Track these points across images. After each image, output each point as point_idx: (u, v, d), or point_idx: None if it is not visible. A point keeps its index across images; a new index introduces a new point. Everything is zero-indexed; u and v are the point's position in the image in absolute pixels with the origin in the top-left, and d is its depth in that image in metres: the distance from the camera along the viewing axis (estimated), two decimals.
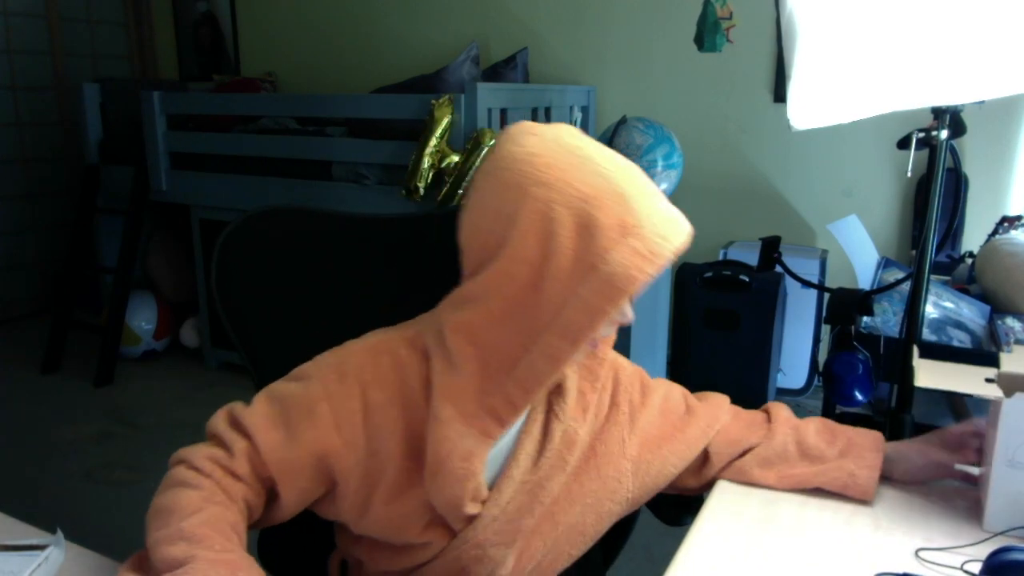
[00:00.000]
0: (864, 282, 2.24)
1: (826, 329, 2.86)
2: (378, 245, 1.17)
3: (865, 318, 1.84)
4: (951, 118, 1.32)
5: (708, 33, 3.21)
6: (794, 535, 0.87)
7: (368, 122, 3.00)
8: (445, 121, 2.69)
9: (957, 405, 1.73)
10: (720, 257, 3.05)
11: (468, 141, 2.70)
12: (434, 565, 0.88)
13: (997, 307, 1.82)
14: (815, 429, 0.99)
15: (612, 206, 0.72)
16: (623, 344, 2.66)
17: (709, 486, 1.01)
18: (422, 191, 2.71)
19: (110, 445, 2.81)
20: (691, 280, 2.62)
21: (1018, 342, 1.66)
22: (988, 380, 0.85)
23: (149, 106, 3.37)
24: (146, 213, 3.56)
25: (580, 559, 0.96)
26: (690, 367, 2.59)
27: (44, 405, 3.15)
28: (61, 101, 4.23)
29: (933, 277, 1.68)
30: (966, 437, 0.94)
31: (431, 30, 3.79)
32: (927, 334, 1.69)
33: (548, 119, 3.20)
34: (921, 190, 2.94)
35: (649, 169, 2.85)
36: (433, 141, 2.68)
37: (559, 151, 0.75)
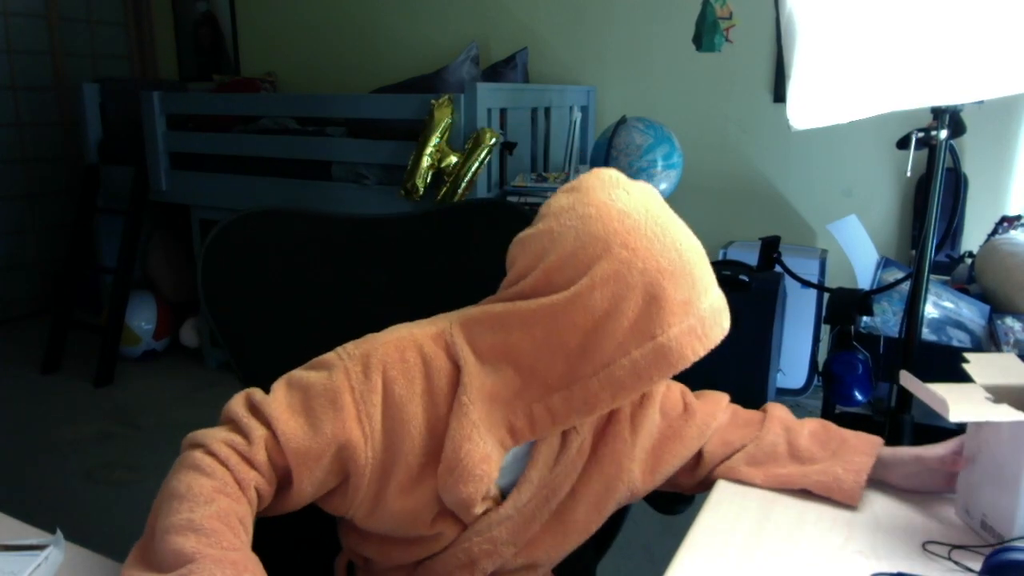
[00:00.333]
0: (864, 282, 2.24)
1: (826, 329, 2.86)
2: (368, 246, 1.17)
3: (865, 318, 1.84)
4: (951, 118, 1.32)
5: (707, 33, 3.22)
6: (795, 535, 0.87)
7: (368, 122, 3.00)
8: (445, 121, 2.69)
9: None
10: (720, 257, 3.05)
11: (468, 141, 2.70)
12: (444, 556, 0.89)
13: (997, 307, 1.82)
14: (810, 431, 0.99)
15: (683, 285, 0.77)
16: None
17: (703, 485, 1.01)
18: (421, 191, 2.71)
19: (110, 445, 2.81)
20: None
21: (1018, 342, 1.66)
22: (996, 395, 0.83)
23: (149, 106, 3.37)
24: (146, 213, 3.56)
25: (572, 553, 0.98)
26: (689, 367, 2.58)
27: (44, 405, 3.15)
28: (61, 101, 4.23)
29: (933, 277, 1.68)
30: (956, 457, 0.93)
31: (431, 30, 3.79)
32: (927, 334, 1.69)
33: (548, 119, 3.20)
34: (921, 190, 2.94)
35: (649, 169, 2.85)
36: (433, 141, 2.68)
37: (647, 218, 0.79)
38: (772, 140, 3.18)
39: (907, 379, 0.90)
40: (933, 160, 1.36)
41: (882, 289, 1.91)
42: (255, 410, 0.82)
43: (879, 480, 0.96)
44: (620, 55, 3.41)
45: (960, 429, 0.92)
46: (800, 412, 1.04)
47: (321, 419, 0.81)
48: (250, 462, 0.79)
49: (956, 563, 0.82)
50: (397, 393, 0.82)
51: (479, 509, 0.85)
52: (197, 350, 3.64)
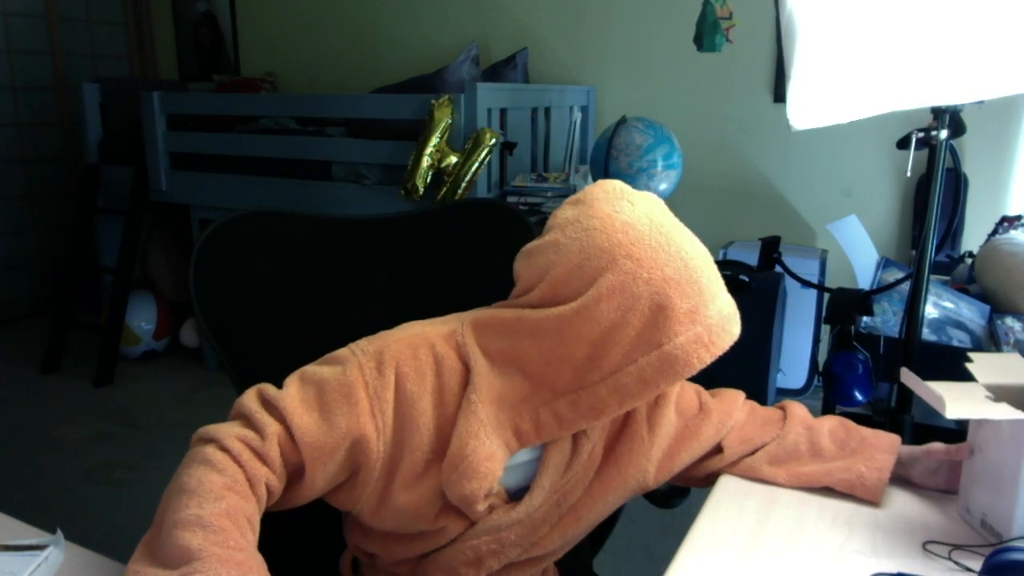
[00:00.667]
0: (864, 282, 2.24)
1: (826, 329, 2.86)
2: (365, 245, 1.17)
3: (865, 318, 1.84)
4: (951, 118, 1.32)
5: (707, 33, 3.22)
6: (795, 534, 0.87)
7: (368, 122, 3.00)
8: (445, 121, 2.69)
9: None
10: (720, 257, 3.05)
11: (468, 141, 2.70)
12: (450, 551, 0.89)
13: (997, 307, 1.82)
14: (829, 428, 0.99)
15: (689, 293, 0.77)
16: None
17: (713, 479, 1.01)
18: (421, 191, 2.71)
19: (110, 445, 2.81)
20: None
21: (1018, 342, 1.66)
22: (997, 394, 0.83)
23: (149, 106, 3.37)
24: (146, 213, 3.56)
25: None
26: None
27: (44, 405, 3.15)
28: (61, 101, 4.23)
29: (933, 277, 1.68)
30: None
31: (431, 30, 3.79)
32: (927, 334, 1.69)
33: (548, 119, 3.21)
34: (921, 190, 2.94)
35: (649, 169, 2.85)
36: (433, 141, 2.68)
37: (651, 228, 0.80)
38: (772, 140, 3.18)
39: (907, 376, 0.91)
40: (933, 160, 1.36)
41: (882, 289, 1.91)
42: (268, 405, 0.82)
43: (899, 478, 0.96)
44: (620, 55, 3.41)
45: (961, 429, 0.93)
46: None
47: (335, 413, 0.81)
48: (262, 458, 0.79)
49: (956, 563, 0.82)
50: (409, 389, 0.83)
51: (482, 506, 0.85)
52: (197, 350, 3.64)
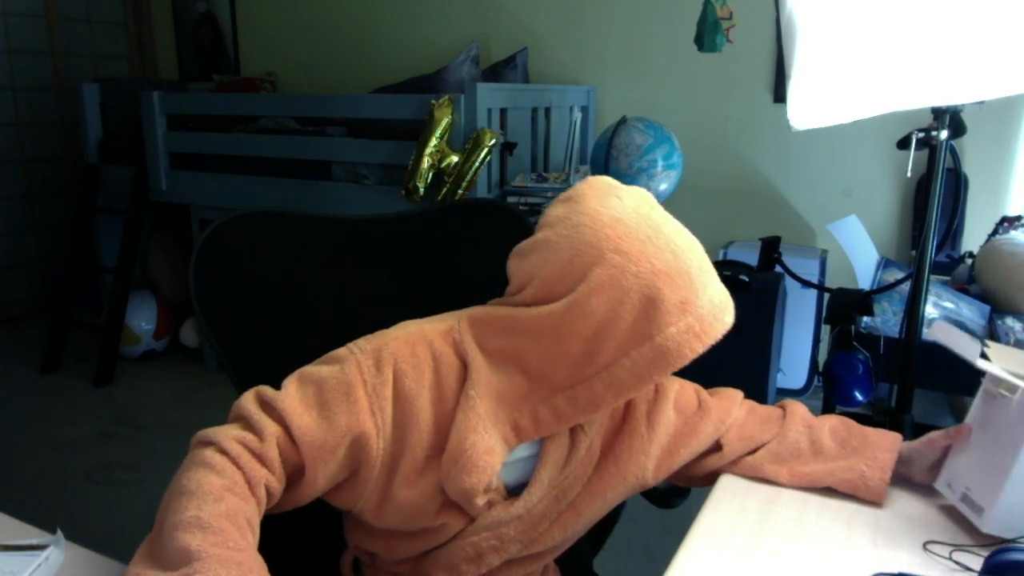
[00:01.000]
0: (864, 282, 2.24)
1: (826, 329, 2.86)
2: (365, 245, 1.17)
3: (865, 318, 1.84)
4: (951, 118, 1.32)
5: (708, 33, 3.22)
6: (795, 534, 0.87)
7: (368, 122, 3.00)
8: (445, 121, 2.69)
9: (957, 405, 1.73)
10: (720, 257, 3.05)
11: (468, 141, 2.70)
12: (450, 548, 0.90)
13: (997, 307, 1.82)
14: (830, 427, 0.99)
15: (679, 284, 0.78)
16: None
17: (713, 478, 1.01)
18: (422, 191, 2.71)
19: (110, 445, 2.81)
20: None
21: (1018, 342, 1.66)
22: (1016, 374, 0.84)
23: (149, 106, 3.37)
24: (146, 213, 3.56)
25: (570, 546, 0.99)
26: (690, 367, 2.58)
27: (44, 405, 3.15)
28: (61, 101, 4.23)
29: (933, 277, 1.68)
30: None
31: (431, 30, 3.79)
32: (927, 334, 1.69)
33: (548, 119, 3.20)
34: (921, 190, 2.94)
35: (649, 169, 2.85)
36: (433, 141, 2.68)
37: (638, 221, 0.80)
38: (772, 140, 3.18)
39: (940, 330, 0.91)
40: (933, 160, 1.36)
41: (882, 289, 1.91)
42: (267, 406, 0.82)
43: (900, 476, 0.96)
44: (620, 55, 3.41)
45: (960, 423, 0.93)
46: None
47: (335, 412, 0.81)
48: (261, 459, 0.79)
49: (956, 563, 0.82)
50: (407, 386, 0.84)
51: (481, 501, 0.86)
52: (197, 350, 3.64)
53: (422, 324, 0.89)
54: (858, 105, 1.18)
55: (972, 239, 2.81)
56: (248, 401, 0.83)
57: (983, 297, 1.90)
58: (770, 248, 2.35)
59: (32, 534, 0.84)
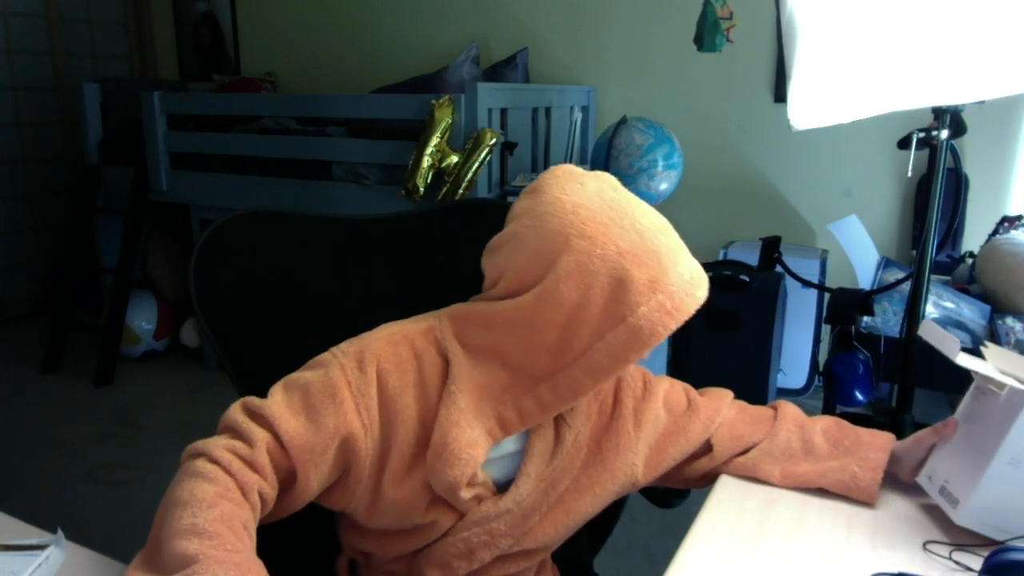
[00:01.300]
0: (864, 282, 2.24)
1: (826, 329, 2.86)
2: (365, 245, 1.17)
3: (865, 318, 1.84)
4: (951, 118, 1.32)
5: (708, 33, 3.22)
6: (795, 534, 0.87)
7: (368, 122, 3.00)
8: (445, 121, 2.69)
9: (957, 405, 1.73)
10: (720, 257, 3.05)
11: (468, 141, 2.70)
12: (442, 545, 0.90)
13: (997, 307, 1.82)
14: (823, 427, 0.99)
15: (646, 263, 0.78)
16: None
17: (708, 479, 1.01)
18: (422, 191, 2.71)
19: (110, 445, 2.81)
20: None
21: (1018, 342, 1.66)
22: (1004, 372, 0.84)
23: (149, 106, 3.37)
24: (146, 213, 3.56)
25: (567, 542, 1.00)
26: (690, 367, 2.59)
27: (44, 405, 3.15)
28: (61, 101, 4.23)
29: (933, 277, 1.68)
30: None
31: (431, 30, 3.79)
32: None
33: (548, 119, 3.21)
34: (921, 190, 2.94)
35: (649, 169, 2.85)
36: (433, 141, 2.68)
37: (601, 204, 0.81)
38: (772, 140, 3.18)
39: (926, 328, 0.92)
40: (934, 160, 1.36)
41: (883, 289, 1.91)
42: (254, 415, 0.83)
43: (891, 476, 0.96)
44: (620, 55, 3.41)
45: None
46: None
47: (322, 414, 0.82)
48: (253, 466, 0.79)
49: (956, 563, 0.82)
50: (391, 385, 0.85)
51: (467, 494, 0.86)
52: (197, 350, 3.64)
53: (403, 324, 0.90)
54: (858, 105, 1.18)
55: (972, 239, 2.80)
56: (235, 411, 0.84)
57: (983, 297, 1.90)
58: (770, 248, 2.35)
59: (32, 534, 0.84)
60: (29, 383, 3.36)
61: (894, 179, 3.03)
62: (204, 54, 4.46)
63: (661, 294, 0.78)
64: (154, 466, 2.62)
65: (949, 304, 1.79)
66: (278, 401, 0.83)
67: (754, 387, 2.54)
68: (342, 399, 0.83)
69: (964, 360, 0.84)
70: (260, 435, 0.81)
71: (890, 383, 1.76)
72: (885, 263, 2.18)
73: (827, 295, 1.90)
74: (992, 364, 0.86)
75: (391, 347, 0.86)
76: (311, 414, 0.82)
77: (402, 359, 0.86)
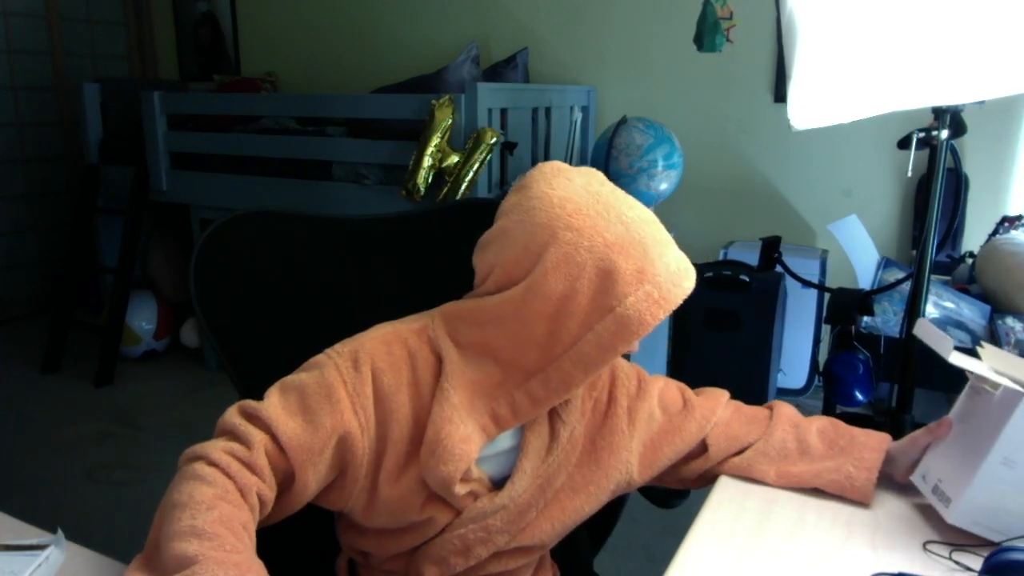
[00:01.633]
0: (864, 282, 2.24)
1: (826, 329, 2.86)
2: (365, 245, 1.17)
3: (865, 318, 1.84)
4: (951, 118, 1.32)
5: (708, 33, 3.22)
6: (795, 534, 0.87)
7: (368, 122, 3.00)
8: (445, 121, 2.69)
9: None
10: (720, 257, 3.05)
11: (468, 141, 2.70)
12: (439, 542, 0.91)
13: (997, 307, 1.82)
14: (818, 428, 0.99)
15: (632, 254, 0.79)
16: None
17: (705, 479, 1.01)
18: (422, 191, 2.71)
19: (110, 445, 2.81)
20: None
21: (1019, 342, 1.66)
22: (998, 371, 0.84)
23: (149, 106, 3.37)
24: (146, 213, 3.56)
25: (567, 542, 1.00)
26: (690, 367, 2.59)
27: (44, 405, 3.15)
28: (61, 101, 4.23)
29: (933, 277, 1.68)
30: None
31: (431, 30, 3.79)
32: None
33: (548, 119, 3.21)
34: (921, 190, 2.94)
35: (649, 169, 2.85)
36: (434, 141, 2.68)
37: (588, 198, 0.82)
38: (772, 140, 3.18)
39: (921, 327, 0.92)
40: (934, 160, 1.36)
41: (883, 289, 1.91)
42: (251, 417, 0.83)
43: (886, 476, 0.96)
44: (620, 55, 3.41)
45: None
46: (801, 413, 1.04)
47: (319, 414, 0.83)
48: (251, 467, 0.80)
49: (956, 563, 0.82)
50: (386, 383, 0.85)
51: (461, 490, 0.87)
52: (197, 350, 3.64)
53: (396, 324, 0.91)
54: (858, 105, 1.18)
55: (972, 239, 2.81)
56: (232, 415, 0.84)
57: (983, 297, 1.90)
58: (770, 248, 2.35)
59: (32, 534, 0.84)
60: (29, 383, 3.36)
61: (894, 179, 3.03)
62: (204, 54, 4.46)
63: (648, 284, 0.78)
64: (154, 466, 2.62)
65: (949, 304, 1.79)
66: (274, 403, 0.84)
67: (753, 387, 2.54)
68: (338, 398, 0.83)
69: (958, 359, 0.84)
70: (258, 437, 0.81)
71: (890, 383, 1.76)
72: (885, 263, 2.18)
73: (827, 295, 1.90)
74: (987, 364, 0.86)
75: (385, 346, 0.87)
76: (308, 414, 0.83)
77: (396, 358, 0.87)
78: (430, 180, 2.72)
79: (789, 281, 2.57)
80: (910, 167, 1.40)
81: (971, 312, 1.79)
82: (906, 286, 1.80)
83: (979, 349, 0.91)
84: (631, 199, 0.85)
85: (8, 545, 0.81)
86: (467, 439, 0.85)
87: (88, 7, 4.31)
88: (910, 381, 1.47)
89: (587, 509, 0.96)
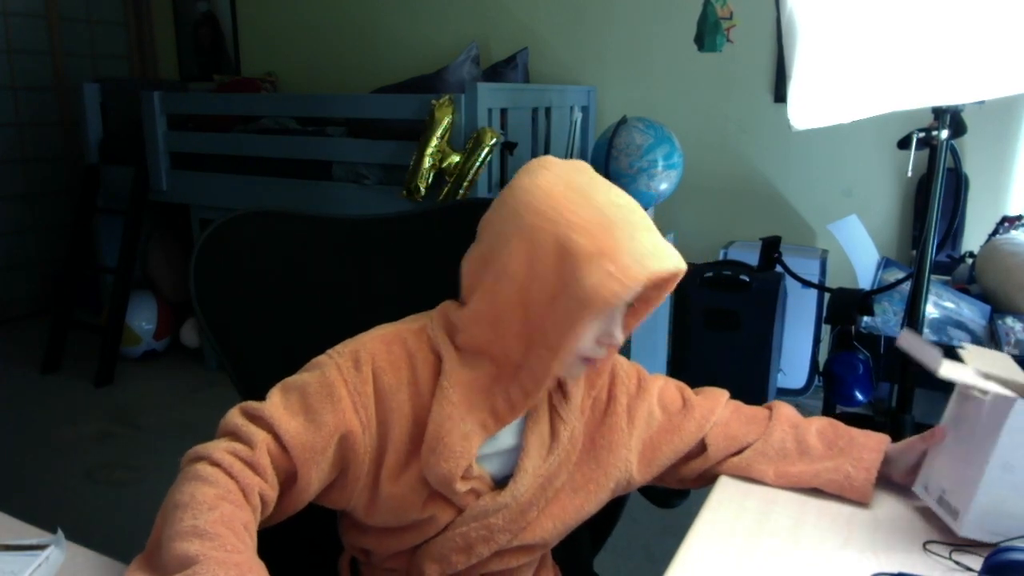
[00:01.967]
0: (864, 282, 2.24)
1: (826, 329, 2.86)
2: (365, 245, 1.17)
3: (865, 318, 1.84)
4: (951, 118, 1.32)
5: (708, 33, 3.22)
6: (795, 534, 0.87)
7: (368, 122, 3.00)
8: (445, 121, 2.69)
9: None
10: (720, 257, 3.05)
11: (468, 141, 2.70)
12: (440, 540, 0.91)
13: (997, 307, 1.82)
14: (817, 428, 0.99)
15: (594, 232, 0.78)
16: (624, 344, 2.65)
17: (705, 479, 1.01)
18: (423, 191, 2.71)
19: (110, 445, 2.81)
20: (691, 280, 2.62)
21: (1018, 342, 1.66)
22: (986, 375, 0.84)
23: (149, 106, 3.37)
24: (146, 213, 3.56)
25: (567, 542, 1.00)
26: (690, 367, 2.59)
27: (44, 405, 3.15)
28: (61, 101, 4.23)
29: (933, 277, 1.68)
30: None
31: (431, 30, 3.79)
32: (927, 334, 1.69)
33: (548, 119, 3.21)
34: (921, 190, 2.94)
35: (649, 169, 2.85)
36: (434, 141, 2.68)
37: (561, 184, 0.82)
38: (772, 140, 3.18)
39: (906, 337, 0.92)
40: (934, 160, 1.36)
41: (883, 289, 1.91)
42: (253, 418, 0.84)
43: (884, 477, 0.96)
44: (620, 55, 3.41)
45: None
46: (801, 413, 1.04)
47: (320, 413, 0.83)
48: (253, 467, 0.80)
49: (956, 563, 0.82)
50: (386, 383, 0.86)
51: (462, 487, 0.87)
52: (197, 350, 3.64)
53: (396, 325, 0.92)
54: (858, 105, 1.18)
55: (972, 239, 2.80)
56: (234, 415, 0.84)
57: (983, 297, 1.90)
58: (770, 248, 2.35)
59: (32, 534, 0.84)
60: (29, 383, 3.36)
61: (894, 179, 3.03)
62: (204, 54, 4.46)
63: (608, 261, 0.77)
64: (154, 466, 2.62)
65: (949, 304, 1.79)
66: (276, 403, 0.84)
67: (753, 387, 2.54)
68: (340, 397, 0.84)
69: (947, 371, 0.83)
70: (260, 437, 0.81)
71: (890, 383, 1.76)
72: (885, 263, 2.18)
73: (827, 295, 1.90)
74: (972, 368, 0.86)
75: (385, 346, 0.88)
76: (310, 414, 0.83)
77: (396, 357, 0.87)
78: (430, 180, 2.72)
79: (789, 281, 2.57)
80: (910, 167, 1.40)
81: (971, 312, 1.79)
82: (906, 286, 1.80)
83: (960, 351, 0.90)
84: (616, 189, 0.84)
85: (8, 545, 0.81)
86: (467, 436, 0.86)
87: (88, 7, 4.31)
88: (910, 381, 1.47)
89: (588, 508, 0.96)
